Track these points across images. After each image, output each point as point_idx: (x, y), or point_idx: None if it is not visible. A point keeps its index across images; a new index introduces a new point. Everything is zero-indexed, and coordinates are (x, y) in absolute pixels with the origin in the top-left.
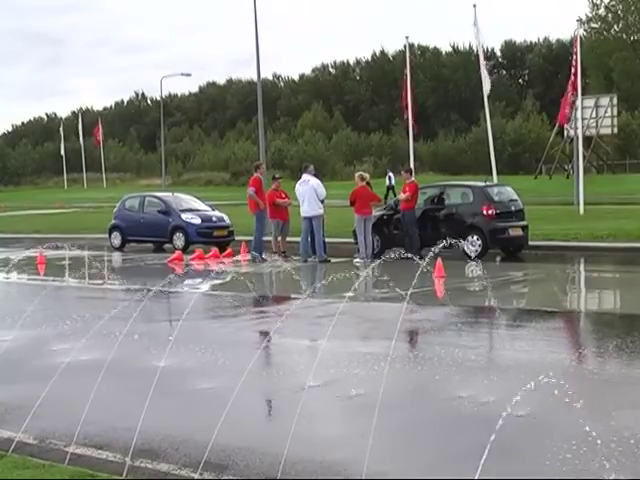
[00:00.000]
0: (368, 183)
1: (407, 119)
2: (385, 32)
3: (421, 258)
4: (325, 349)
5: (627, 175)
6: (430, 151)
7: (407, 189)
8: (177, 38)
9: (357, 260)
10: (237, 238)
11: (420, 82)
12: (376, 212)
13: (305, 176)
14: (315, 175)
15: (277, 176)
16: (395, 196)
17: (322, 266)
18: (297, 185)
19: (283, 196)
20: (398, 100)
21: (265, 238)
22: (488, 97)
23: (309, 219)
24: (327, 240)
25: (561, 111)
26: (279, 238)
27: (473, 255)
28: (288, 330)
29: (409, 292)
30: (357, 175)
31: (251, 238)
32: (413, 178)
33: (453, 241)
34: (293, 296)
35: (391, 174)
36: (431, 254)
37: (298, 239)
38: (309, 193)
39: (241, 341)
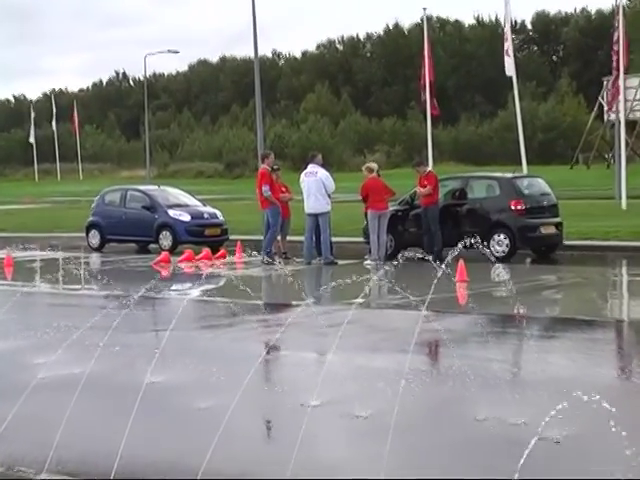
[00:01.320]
0: (378, 174)
1: (425, 101)
2: (400, 3)
3: (440, 260)
4: (331, 363)
5: None
6: (451, 138)
7: (426, 181)
8: (163, 10)
9: (368, 262)
10: (232, 237)
11: (439, 60)
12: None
13: (312, 167)
14: (323, 166)
15: (275, 167)
16: None
17: (328, 269)
18: (302, 177)
19: (283, 190)
20: (414, 80)
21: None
22: (516, 77)
23: (315, 216)
24: (333, 240)
25: (611, 93)
26: (279, 237)
27: (500, 256)
28: (289, 341)
29: (427, 298)
30: (364, 168)
31: (248, 237)
32: (429, 168)
33: (476, 241)
34: (295, 303)
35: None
36: (452, 255)
37: (300, 238)
38: (316, 186)
39: (236, 354)
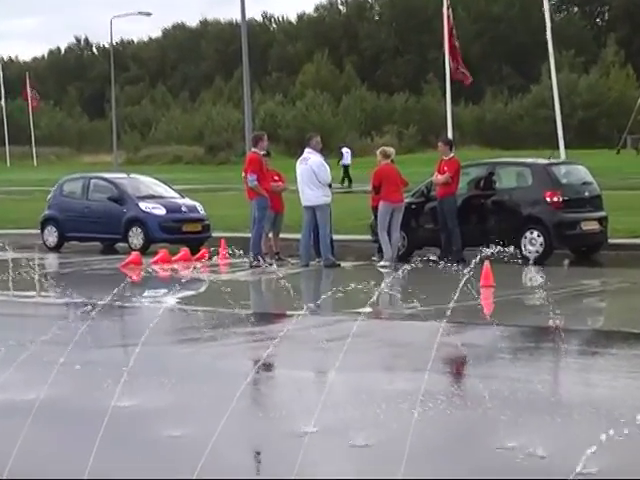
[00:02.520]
0: (392, 161)
1: (456, 69)
2: None
3: (463, 262)
4: (332, 384)
5: None
6: (474, 117)
7: (446, 168)
8: None
9: (383, 264)
10: (214, 235)
11: (460, 23)
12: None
13: (307, 152)
14: (321, 150)
15: (263, 152)
16: (349, 178)
17: (329, 272)
18: (297, 164)
19: (275, 178)
20: (431, 48)
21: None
22: (552, 43)
23: (312, 209)
24: (335, 237)
25: None
26: (270, 235)
27: (533, 258)
28: (283, 358)
29: (447, 307)
30: (379, 151)
31: (234, 234)
32: (453, 154)
33: (505, 239)
34: (290, 312)
35: (347, 150)
36: (477, 257)
37: (297, 236)
38: (307, 176)
39: (220, 373)
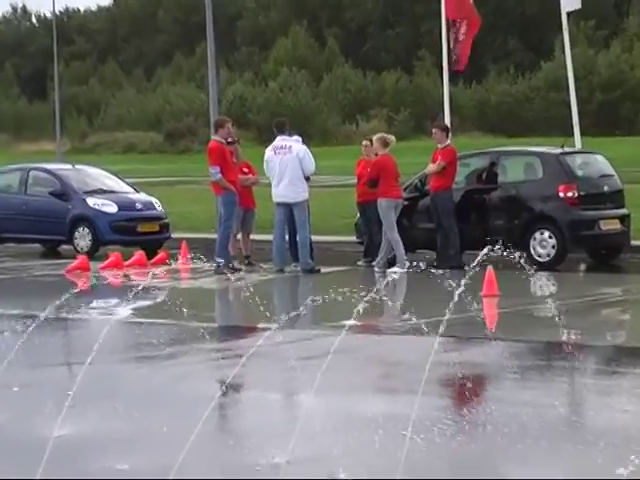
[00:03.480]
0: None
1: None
2: None
3: (462, 267)
4: (310, 409)
5: None
6: (475, 100)
7: (439, 156)
8: None
9: (395, 269)
10: (174, 235)
11: None
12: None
13: (282, 139)
14: (300, 138)
15: (230, 139)
16: None
17: (308, 278)
18: (267, 153)
19: (245, 170)
20: (425, 19)
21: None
22: (569, 14)
23: (288, 206)
24: (313, 239)
25: None
26: (239, 236)
27: (544, 262)
28: (253, 379)
29: (444, 319)
30: (377, 138)
31: (197, 235)
32: (449, 141)
33: (511, 241)
34: (261, 326)
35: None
36: (477, 261)
37: (270, 237)
38: (291, 166)
39: (181, 396)
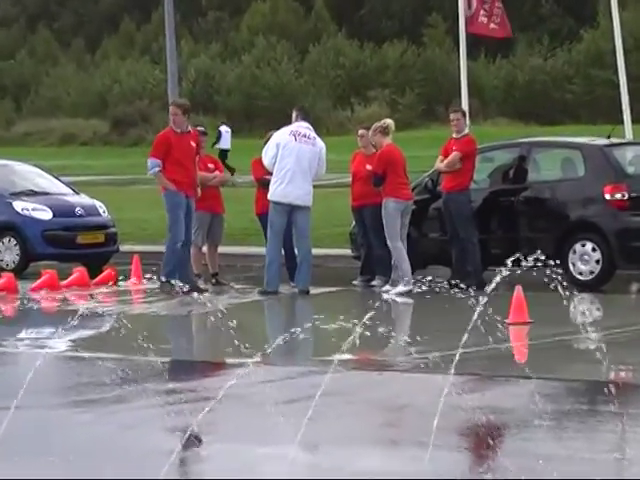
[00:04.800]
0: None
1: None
2: None
3: (483, 287)
4: (293, 464)
5: None
6: (500, 78)
7: (455, 149)
8: None
9: (400, 290)
10: (124, 248)
11: None
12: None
13: (306, 127)
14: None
15: (200, 127)
16: (230, 167)
17: (292, 302)
18: (284, 135)
19: (210, 166)
20: None
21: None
22: None
23: (290, 210)
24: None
25: None
26: (205, 248)
27: (586, 281)
28: (222, 428)
29: (461, 352)
30: (375, 128)
31: (153, 248)
32: (468, 130)
33: (544, 255)
34: (234, 361)
35: (227, 129)
36: (502, 280)
37: (243, 250)
38: (311, 162)
39: (130, 449)
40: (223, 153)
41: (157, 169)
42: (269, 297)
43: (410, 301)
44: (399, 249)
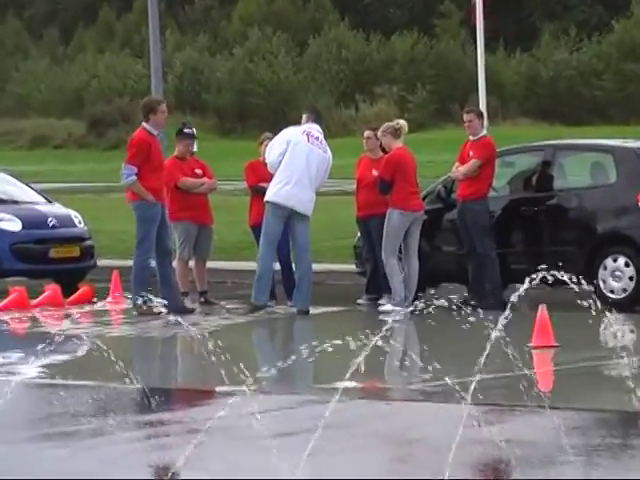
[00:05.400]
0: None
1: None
2: None
3: (503, 307)
4: None
5: None
6: (522, 73)
7: (472, 153)
8: None
9: (387, 308)
10: (102, 263)
11: None
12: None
13: (318, 130)
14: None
15: (186, 128)
16: None
17: (290, 323)
18: (295, 133)
19: (197, 172)
20: None
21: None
22: None
23: (289, 217)
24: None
25: None
26: (192, 263)
27: (618, 299)
28: (211, 464)
29: (478, 379)
30: (383, 129)
31: (131, 263)
32: (485, 131)
33: (571, 271)
34: (225, 389)
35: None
36: (521, 296)
37: (233, 266)
38: (320, 168)
39: None
40: None
41: (134, 177)
42: (258, 314)
43: (421, 322)
44: (392, 266)
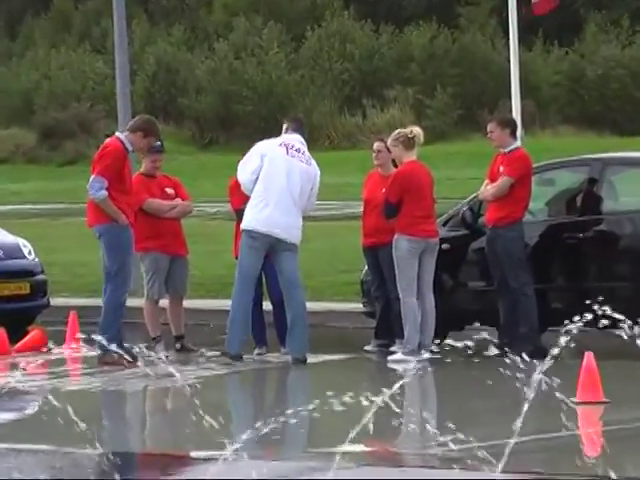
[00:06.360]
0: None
1: None
2: None
3: (540, 353)
4: None
5: None
6: (564, 74)
7: (502, 169)
8: None
9: (398, 357)
10: (57, 302)
11: None
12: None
13: (300, 141)
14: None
15: (156, 143)
16: None
17: (283, 375)
18: (272, 146)
19: (168, 191)
20: None
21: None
22: None
23: (271, 246)
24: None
25: None
26: (164, 301)
27: None
28: None
29: (512, 443)
30: (394, 137)
31: (91, 302)
32: (518, 143)
33: (625, 311)
34: (205, 454)
35: None
36: (564, 342)
37: (219, 305)
38: (305, 184)
39: None
40: None
41: (106, 192)
42: (240, 363)
43: (441, 371)
44: (410, 307)
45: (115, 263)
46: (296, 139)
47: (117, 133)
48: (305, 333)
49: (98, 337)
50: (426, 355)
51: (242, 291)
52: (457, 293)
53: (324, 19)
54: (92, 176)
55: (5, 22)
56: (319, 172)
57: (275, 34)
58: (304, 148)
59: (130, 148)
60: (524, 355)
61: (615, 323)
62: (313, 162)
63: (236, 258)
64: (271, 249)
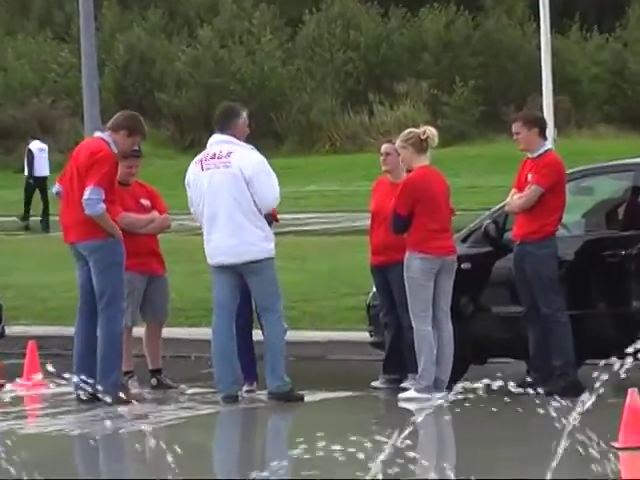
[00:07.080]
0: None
1: None
2: None
3: (576, 390)
4: None
5: None
6: (603, 65)
7: (531, 175)
8: None
9: (410, 395)
10: (14, 331)
11: None
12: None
13: (217, 142)
14: (251, 139)
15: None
16: (45, 202)
17: (278, 414)
18: (192, 169)
19: (145, 203)
20: None
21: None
22: None
23: (237, 273)
24: (289, 337)
25: None
26: (137, 330)
27: None
28: None
29: None
30: (403, 138)
31: (52, 330)
32: (550, 145)
33: None
34: None
35: (42, 147)
36: (604, 378)
37: (197, 333)
38: (233, 193)
39: None
40: (38, 183)
41: (102, 207)
42: (228, 404)
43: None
44: (424, 336)
45: (109, 284)
46: (214, 141)
47: (99, 133)
48: (279, 363)
49: (103, 386)
50: (442, 394)
51: (220, 321)
52: (479, 320)
53: (324, 1)
54: (89, 187)
55: None
56: (249, 162)
57: (267, 18)
58: (222, 146)
59: (115, 150)
60: (557, 393)
61: None
62: (235, 157)
63: None
64: (240, 275)
